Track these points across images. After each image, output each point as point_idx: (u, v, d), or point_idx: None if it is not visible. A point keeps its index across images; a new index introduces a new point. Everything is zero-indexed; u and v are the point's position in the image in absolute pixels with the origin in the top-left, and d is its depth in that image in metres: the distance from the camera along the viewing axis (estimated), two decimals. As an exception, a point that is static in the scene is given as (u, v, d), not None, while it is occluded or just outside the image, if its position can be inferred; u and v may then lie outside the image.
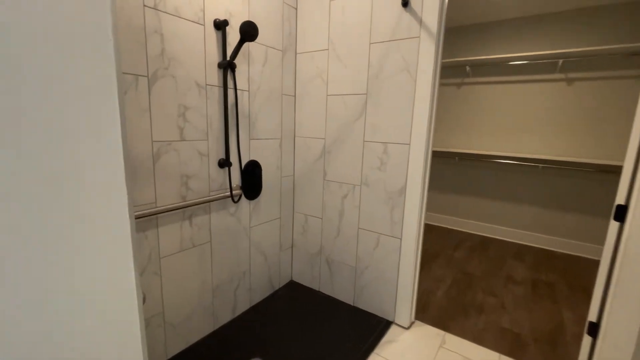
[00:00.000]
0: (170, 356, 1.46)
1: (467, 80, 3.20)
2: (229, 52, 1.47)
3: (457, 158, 3.37)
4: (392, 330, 1.73)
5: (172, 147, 1.33)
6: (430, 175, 3.54)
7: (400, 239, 1.69)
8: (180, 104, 1.33)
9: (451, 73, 3.28)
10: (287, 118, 1.93)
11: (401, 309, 1.75)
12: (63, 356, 0.43)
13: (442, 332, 1.74)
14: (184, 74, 1.32)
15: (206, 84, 1.42)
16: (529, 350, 1.63)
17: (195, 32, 1.34)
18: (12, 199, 0.36)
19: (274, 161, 1.88)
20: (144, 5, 1.15)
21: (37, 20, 0.37)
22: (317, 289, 2.10)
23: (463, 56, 3.16)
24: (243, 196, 1.70)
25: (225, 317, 1.73)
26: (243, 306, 1.84)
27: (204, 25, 1.36)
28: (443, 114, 3.40)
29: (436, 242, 3.11)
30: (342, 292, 1.98)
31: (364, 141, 1.73)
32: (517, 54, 2.73)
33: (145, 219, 1.27)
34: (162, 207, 1.30)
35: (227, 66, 1.45)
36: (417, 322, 1.82)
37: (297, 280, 2.20)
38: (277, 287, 2.09)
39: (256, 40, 1.62)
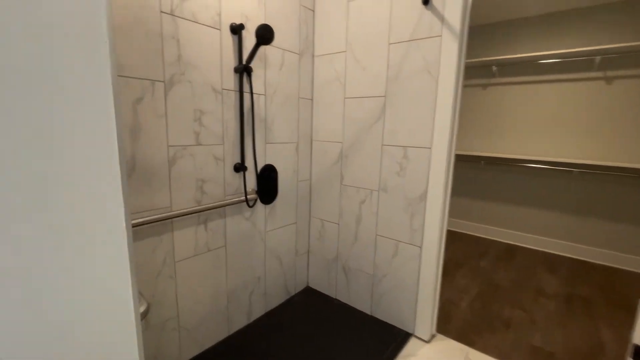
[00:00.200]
0: (184, 360, 1.46)
1: (493, 80, 3.05)
2: (245, 56, 1.46)
3: (482, 162, 3.21)
4: (412, 343, 1.65)
5: (188, 152, 1.33)
6: (453, 181, 3.40)
7: (421, 247, 1.61)
8: (196, 109, 1.33)
9: (476, 73, 3.14)
10: (304, 122, 1.90)
11: (421, 320, 1.67)
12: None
13: (465, 348, 1.63)
14: (200, 79, 1.32)
15: (222, 89, 1.41)
16: (562, 371, 1.50)
17: (212, 36, 1.34)
18: None
19: (291, 165, 1.86)
20: (161, 12, 1.16)
21: (20, 20, 0.35)
22: (334, 296, 2.04)
23: (489, 55, 3.02)
24: (258, 200, 1.68)
25: (240, 323, 1.72)
26: (258, 312, 1.82)
27: (220, 29, 1.37)
28: (467, 116, 3.26)
29: (460, 249, 2.97)
30: (359, 301, 1.92)
31: (382, 145, 1.67)
32: (549, 52, 2.57)
33: (160, 223, 1.28)
34: (177, 212, 1.30)
35: (243, 70, 1.44)
36: (439, 336, 1.73)
37: (313, 287, 2.16)
38: (292, 293, 2.06)
39: (273, 44, 1.61)
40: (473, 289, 2.24)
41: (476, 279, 2.39)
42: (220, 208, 1.49)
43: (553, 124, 2.82)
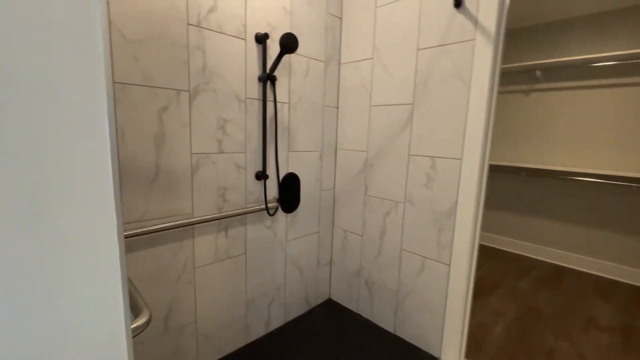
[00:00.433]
0: (201, 366, 1.47)
1: (537, 86, 2.83)
2: (269, 65, 1.47)
3: (524, 174, 2.97)
4: (437, 369, 1.53)
5: (211, 160, 1.35)
6: (491, 193, 3.18)
7: (449, 266, 1.50)
8: (219, 117, 1.35)
9: (518, 79, 2.93)
10: (329, 130, 1.87)
11: (449, 344, 1.54)
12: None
13: (498, 379, 1.48)
14: (224, 88, 1.35)
15: (246, 97, 1.43)
16: (616, 418, 1.30)
17: (237, 46, 1.36)
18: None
19: (314, 174, 1.83)
20: (188, 24, 1.20)
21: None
22: (356, 311, 1.97)
23: (532, 59, 2.80)
24: (280, 209, 1.67)
25: (259, 332, 1.70)
26: (277, 322, 1.79)
27: (245, 39, 1.38)
28: (507, 124, 3.04)
29: (497, 268, 2.75)
30: (382, 318, 1.82)
31: (409, 155, 1.59)
32: (604, 54, 2.33)
33: (181, 229, 1.30)
34: (198, 218, 1.32)
35: (267, 79, 1.45)
36: (468, 363, 1.59)
37: (335, 299, 2.09)
38: (313, 305, 2.01)
39: (298, 52, 1.61)
40: (510, 313, 2.05)
41: (514, 302, 2.18)
42: (241, 216, 1.50)
43: (607, 133, 2.54)
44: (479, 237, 1.47)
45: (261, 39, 1.42)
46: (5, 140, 0.36)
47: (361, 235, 1.87)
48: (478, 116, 1.33)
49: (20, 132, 0.37)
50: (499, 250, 3.17)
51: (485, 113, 1.32)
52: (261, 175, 1.52)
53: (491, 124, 1.36)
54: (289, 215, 1.74)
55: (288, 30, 1.55)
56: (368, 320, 1.89)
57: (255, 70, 1.45)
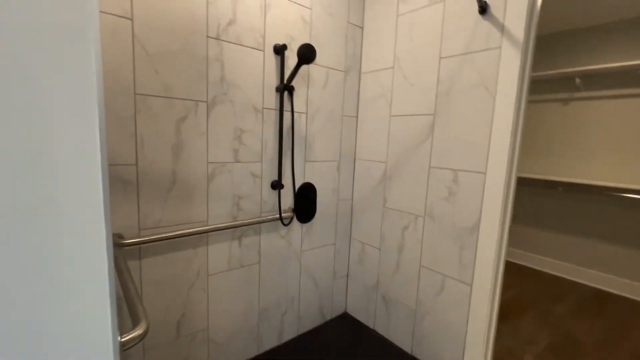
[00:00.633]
0: (212, 374, 1.47)
1: (577, 95, 2.63)
2: (287, 75, 1.48)
3: (560, 188, 2.76)
4: (457, 397, 1.43)
5: (227, 169, 1.37)
6: (525, 208, 2.99)
7: (471, 286, 1.40)
8: (236, 127, 1.37)
9: (554, 87, 2.75)
10: (347, 140, 1.84)
11: (470, 371, 1.44)
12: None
13: (525, 415, 1.35)
14: (241, 99, 1.37)
15: (263, 108, 1.44)
16: None
17: (255, 57, 1.38)
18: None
19: (331, 184, 1.80)
20: (207, 37, 1.23)
21: None
22: (372, 327, 1.90)
23: (571, 66, 2.62)
24: (295, 219, 1.66)
25: (271, 342, 1.68)
26: (290, 333, 1.76)
27: (263, 50, 1.40)
28: (543, 135, 2.85)
29: (530, 289, 2.55)
30: (399, 336, 1.74)
31: (429, 167, 1.52)
32: (653, 60, 2.12)
33: (196, 237, 1.32)
34: (213, 226, 1.34)
35: (284, 89, 1.45)
36: (492, 393, 1.46)
37: (351, 313, 2.03)
38: (328, 318, 1.96)
39: (317, 62, 1.61)
40: (542, 340, 1.88)
41: (547, 328, 2.01)
42: (255, 225, 1.50)
43: (659, 147, 2.30)
44: (504, 257, 1.36)
45: (279, 50, 1.43)
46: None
47: (379, 249, 1.81)
48: (504, 128, 1.25)
49: (3, 140, 0.38)
50: (533, 269, 2.95)
51: (512, 124, 1.23)
52: (276, 185, 1.52)
53: (519, 136, 1.27)
54: (305, 225, 1.72)
55: (307, 41, 1.55)
56: (384, 337, 1.81)
57: (273, 81, 1.46)
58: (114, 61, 1.04)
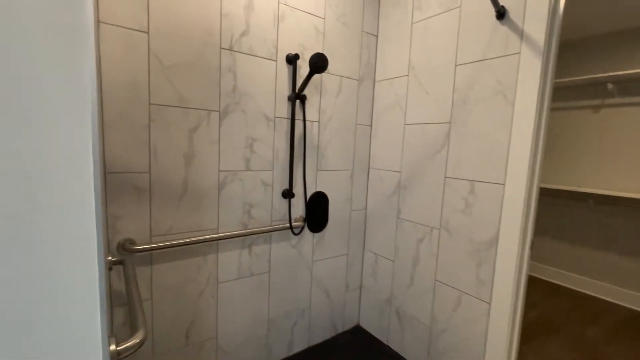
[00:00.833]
0: (220, 383, 1.46)
1: (608, 101, 2.48)
2: (299, 84, 1.48)
3: (591, 201, 2.58)
4: (474, 423, 1.34)
5: (238, 177, 1.38)
6: (552, 221, 2.82)
7: (489, 304, 1.32)
8: (248, 136, 1.38)
9: (584, 93, 2.60)
10: (361, 149, 1.82)
11: (489, 396, 1.34)
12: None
13: None
14: (253, 108, 1.38)
15: (275, 117, 1.45)
16: None
17: (268, 67, 1.40)
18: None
19: (344, 193, 1.78)
20: (221, 48, 1.26)
21: None
22: (385, 342, 1.83)
23: (602, 71, 2.47)
24: (306, 228, 1.64)
25: (280, 353, 1.66)
26: (300, 345, 1.73)
27: (276, 60, 1.42)
28: (570, 144, 2.70)
29: (559, 308, 2.39)
30: (413, 353, 1.66)
31: (445, 177, 1.47)
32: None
33: (206, 244, 1.33)
34: (223, 234, 1.34)
35: (296, 98, 1.46)
36: (513, 421, 1.36)
37: (364, 327, 1.98)
38: (340, 331, 1.92)
39: (330, 71, 1.60)
40: (571, 366, 1.74)
41: (577, 353, 1.86)
42: (266, 233, 1.50)
43: None
44: (526, 273, 1.28)
45: (292, 59, 1.44)
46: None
47: (393, 261, 1.76)
48: (524, 137, 1.19)
49: None
50: (563, 287, 2.76)
51: (533, 133, 1.17)
52: (287, 194, 1.51)
53: (541, 146, 1.20)
54: (316, 235, 1.70)
55: (320, 50, 1.55)
56: (398, 354, 1.74)
57: (285, 90, 1.47)
58: (130, 73, 1.08)
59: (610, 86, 2.40)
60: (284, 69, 1.45)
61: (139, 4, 1.07)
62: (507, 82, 1.23)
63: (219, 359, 1.44)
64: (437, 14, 1.47)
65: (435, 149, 1.51)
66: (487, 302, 1.33)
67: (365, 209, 1.91)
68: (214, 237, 1.31)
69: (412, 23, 1.59)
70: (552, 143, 2.78)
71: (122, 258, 1.05)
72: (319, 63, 1.37)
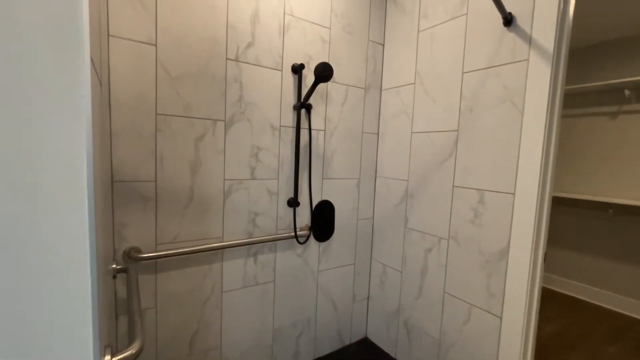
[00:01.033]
0: (224, 394, 1.44)
1: (626, 107, 2.40)
2: (305, 93, 1.49)
3: (611, 210, 2.48)
4: None
5: (243, 186, 1.39)
6: (570, 232, 2.72)
7: (500, 319, 1.27)
8: (253, 145, 1.39)
9: (600, 100, 2.52)
10: (368, 157, 1.80)
11: (501, 416, 1.28)
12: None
13: None
14: (259, 117, 1.39)
15: (280, 125, 1.46)
16: None
17: (273, 77, 1.41)
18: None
19: (350, 202, 1.76)
20: (227, 59, 1.28)
21: None
22: (393, 355, 1.78)
23: (618, 77, 2.40)
24: (312, 237, 1.63)
25: (285, 365, 1.63)
26: (306, 356, 1.70)
27: (281, 70, 1.43)
28: (587, 152, 2.61)
29: (579, 323, 2.28)
30: (422, 369, 1.61)
31: (453, 186, 1.44)
32: None
33: (211, 253, 1.34)
34: (228, 242, 1.34)
35: (301, 107, 1.46)
36: None
37: (371, 339, 1.93)
38: (347, 342, 1.88)
39: (336, 80, 1.61)
40: (591, 385, 1.65)
41: (598, 371, 1.76)
42: (271, 242, 1.49)
43: None
44: (539, 286, 1.22)
45: (297, 69, 1.45)
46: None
47: (400, 272, 1.72)
48: (534, 145, 1.15)
49: None
50: (581, 301, 2.64)
51: (544, 141, 1.13)
52: (292, 202, 1.51)
53: (552, 154, 1.16)
54: (322, 244, 1.68)
55: (326, 60, 1.56)
56: (406, 368, 1.69)
57: (290, 99, 1.47)
58: (138, 84, 1.11)
59: (627, 92, 2.32)
60: (290, 79, 1.46)
61: (147, 17, 1.10)
62: (515, 89, 1.21)
63: (223, 370, 1.43)
64: (444, 22, 1.46)
65: (443, 157, 1.48)
66: (498, 317, 1.28)
67: (373, 217, 1.88)
68: (219, 246, 1.32)
69: (419, 31, 1.58)
70: (570, 151, 2.70)
71: (126, 266, 1.06)
72: (324, 72, 1.38)
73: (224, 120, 1.31)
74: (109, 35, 1.04)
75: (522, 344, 1.22)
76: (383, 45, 1.78)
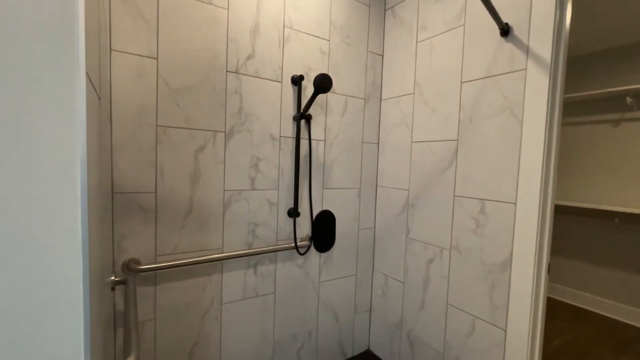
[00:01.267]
0: (223, 410, 1.42)
1: (628, 115, 2.38)
2: (304, 104, 1.50)
3: (617, 219, 2.44)
4: None
5: (243, 196, 1.39)
6: (576, 241, 2.68)
7: (505, 331, 1.24)
8: (253, 155, 1.40)
9: (602, 107, 2.52)
10: (368, 166, 1.80)
11: None
12: None
13: None
14: (259, 128, 1.40)
15: (280, 136, 1.46)
16: None
17: (273, 88, 1.42)
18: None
19: (351, 212, 1.75)
20: (227, 71, 1.30)
21: None
22: (397, 369, 1.74)
23: (620, 85, 2.39)
24: (313, 248, 1.62)
25: (286, 379, 1.60)
26: (307, 370, 1.67)
27: (281, 82, 1.45)
28: (590, 160, 2.59)
29: (587, 335, 2.22)
30: (426, 383, 1.57)
31: (454, 196, 1.43)
32: None
33: (211, 264, 1.33)
34: (228, 254, 1.34)
35: (301, 118, 1.47)
36: None
37: (374, 351, 1.89)
38: (349, 355, 1.84)
39: (335, 90, 1.62)
40: (602, 401, 1.60)
41: (608, 386, 1.71)
42: (271, 253, 1.48)
43: None
44: (544, 297, 1.20)
45: (297, 80, 1.47)
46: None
47: (403, 282, 1.70)
48: (534, 154, 1.14)
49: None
50: (590, 312, 2.58)
51: (544, 150, 1.12)
52: (293, 212, 1.50)
53: (553, 163, 1.15)
54: (323, 254, 1.67)
55: (325, 71, 1.58)
56: (410, 382, 1.65)
57: (290, 110, 1.49)
58: (139, 97, 1.12)
59: (629, 100, 2.31)
60: (289, 90, 1.47)
61: (149, 31, 1.13)
62: (514, 98, 1.21)
63: (223, 384, 1.40)
64: (442, 33, 1.48)
65: (443, 167, 1.47)
66: (502, 330, 1.25)
67: (374, 227, 1.87)
68: (219, 257, 1.31)
69: (417, 42, 1.60)
70: (575, 159, 2.68)
71: (125, 278, 1.05)
72: (323, 84, 1.39)
73: (224, 132, 1.32)
74: (110, 49, 1.06)
75: (528, 357, 1.19)
76: (382, 56, 1.80)
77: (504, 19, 1.22)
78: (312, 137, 1.56)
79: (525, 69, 1.17)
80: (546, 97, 1.11)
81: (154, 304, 1.21)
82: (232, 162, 1.34)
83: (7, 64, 0.40)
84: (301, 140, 1.52)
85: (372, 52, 1.75)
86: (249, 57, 1.35)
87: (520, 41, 1.18)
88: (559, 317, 2.46)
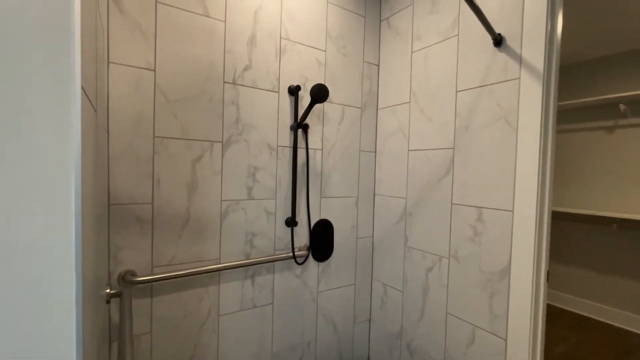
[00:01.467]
0: None
1: (622, 122, 2.41)
2: (301, 114, 1.51)
3: (615, 225, 2.45)
4: None
5: (240, 206, 1.38)
6: (576, 248, 2.68)
7: (505, 340, 1.23)
8: (250, 165, 1.40)
9: (597, 114, 2.54)
10: (366, 175, 1.81)
11: None
12: None
13: None
14: (256, 138, 1.41)
15: (277, 145, 1.47)
16: None
17: (270, 99, 1.44)
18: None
19: (349, 221, 1.75)
20: (224, 82, 1.31)
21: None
22: (397, 380, 1.71)
23: (614, 92, 2.43)
24: (311, 257, 1.61)
25: (285, 392, 1.57)
26: (306, 382, 1.64)
27: (278, 92, 1.46)
28: (587, 167, 2.61)
29: (590, 343, 2.20)
30: (427, 394, 1.55)
31: (451, 204, 1.43)
32: None
33: (208, 275, 1.32)
34: (225, 264, 1.33)
35: (298, 128, 1.48)
36: None
37: (374, 362, 1.87)
38: (349, 366, 1.81)
39: (332, 100, 1.63)
40: (606, 411, 1.57)
41: (612, 395, 1.68)
42: (269, 263, 1.47)
43: None
44: (543, 305, 1.19)
45: (293, 91, 1.48)
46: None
47: (402, 292, 1.68)
48: (530, 162, 1.15)
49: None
50: (592, 319, 2.56)
51: (539, 158, 1.13)
52: (290, 222, 1.50)
53: (548, 170, 1.16)
54: (321, 264, 1.66)
55: (322, 81, 1.59)
56: (411, 394, 1.62)
57: (287, 120, 1.49)
58: (136, 108, 1.13)
59: (622, 107, 2.34)
60: (286, 100, 1.49)
61: (146, 44, 1.14)
62: (508, 107, 1.22)
63: (220, 398, 1.37)
64: (436, 43, 1.50)
65: (440, 175, 1.48)
66: (502, 339, 1.24)
67: (372, 236, 1.87)
68: (216, 268, 1.30)
69: (412, 52, 1.62)
70: (571, 166, 2.70)
71: (121, 290, 1.04)
72: (319, 94, 1.40)
73: (221, 142, 1.32)
74: (108, 62, 1.07)
75: (529, 367, 1.18)
76: (378, 65, 1.82)
77: (497, 30, 1.25)
78: (310, 146, 1.57)
79: (519, 78, 1.18)
80: (540, 105, 1.12)
81: (150, 316, 1.19)
82: (230, 172, 1.35)
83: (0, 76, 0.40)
84: (298, 150, 1.53)
85: (368, 62, 1.78)
86: (246, 68, 1.36)
87: (513, 51, 1.20)
88: (560, 325, 2.44)
